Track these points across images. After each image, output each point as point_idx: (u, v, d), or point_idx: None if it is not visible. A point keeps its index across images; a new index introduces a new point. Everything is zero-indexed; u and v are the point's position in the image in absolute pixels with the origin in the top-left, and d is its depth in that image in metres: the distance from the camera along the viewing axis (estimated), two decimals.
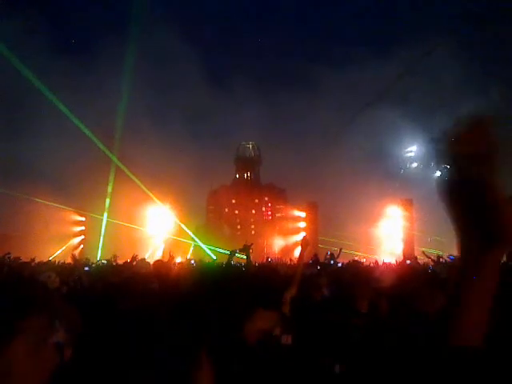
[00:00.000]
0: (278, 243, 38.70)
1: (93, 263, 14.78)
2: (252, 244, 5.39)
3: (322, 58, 38.32)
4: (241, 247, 5.53)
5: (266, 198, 43.19)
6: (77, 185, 30.19)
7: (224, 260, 7.33)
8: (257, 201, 43.40)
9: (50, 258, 23.34)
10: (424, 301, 3.70)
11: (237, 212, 43.29)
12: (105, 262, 12.83)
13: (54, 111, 28.34)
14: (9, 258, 9.53)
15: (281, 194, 41.81)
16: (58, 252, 30.44)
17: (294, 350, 2.50)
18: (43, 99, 27.57)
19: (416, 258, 16.73)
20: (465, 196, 0.79)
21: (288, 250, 34.63)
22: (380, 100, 37.29)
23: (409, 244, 31.61)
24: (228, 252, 6.50)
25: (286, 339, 2.54)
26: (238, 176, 44.62)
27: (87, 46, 32.14)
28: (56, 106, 27.80)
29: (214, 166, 35.20)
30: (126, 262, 8.81)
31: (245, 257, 5.46)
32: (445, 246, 27.69)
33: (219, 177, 40.18)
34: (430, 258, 11.38)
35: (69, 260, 17.54)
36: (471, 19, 35.60)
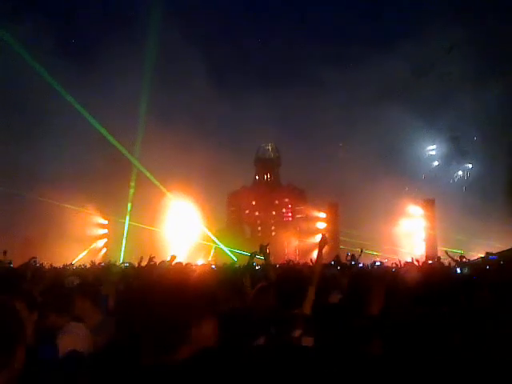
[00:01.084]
0: (298, 244, 38.62)
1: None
2: (268, 244, 5.39)
3: (335, 56, 37.77)
4: (257, 249, 5.54)
5: (286, 199, 43.09)
6: (99, 187, 30.63)
7: (244, 262, 7.37)
8: (277, 202, 43.33)
9: (73, 262, 23.77)
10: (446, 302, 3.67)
11: (257, 213, 43.28)
12: (127, 264, 12.98)
13: (73, 114, 28.84)
14: (34, 262, 9.65)
15: (301, 195, 41.66)
16: (82, 255, 30.91)
17: (314, 352, 2.49)
18: (61, 101, 28.09)
19: (439, 258, 16.55)
20: None
21: (308, 250, 34.53)
22: (399, 98, 36.91)
23: (431, 244, 31.21)
24: (248, 254, 6.54)
25: (307, 341, 2.53)
26: (257, 177, 44.62)
27: (101, 47, 32.21)
28: (75, 109, 28.28)
29: (234, 168, 35.20)
30: (146, 264, 8.91)
31: (263, 258, 5.47)
32: (465, 244, 27.35)
33: (239, 178, 40.23)
34: (452, 258, 11.23)
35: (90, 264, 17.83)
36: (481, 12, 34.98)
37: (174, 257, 8.76)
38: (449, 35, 34.11)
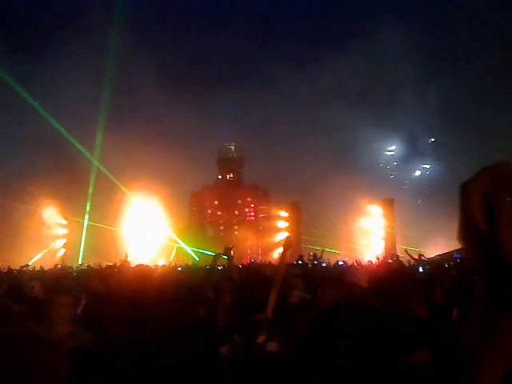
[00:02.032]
0: (261, 243, 38.75)
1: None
2: (233, 246, 5.38)
3: (297, 57, 38.24)
4: (222, 251, 5.52)
5: (249, 199, 43.15)
6: (58, 187, 29.84)
7: (207, 262, 7.31)
8: (240, 201, 43.34)
9: (30, 263, 23.00)
10: (406, 301, 3.74)
11: (220, 213, 43.16)
12: (86, 266, 12.72)
13: (30, 113, 28.05)
14: None
15: (264, 195, 41.82)
16: (39, 256, 29.96)
17: (280, 357, 2.46)
18: (17, 99, 27.30)
19: (398, 256, 16.95)
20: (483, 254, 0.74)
21: (271, 249, 34.73)
22: (359, 99, 37.63)
23: (390, 242, 31.91)
24: (213, 254, 6.49)
25: (272, 346, 2.49)
26: (220, 177, 44.50)
27: (59, 49, 31.42)
28: (32, 107, 27.52)
29: (197, 168, 35.00)
30: (110, 266, 8.74)
31: (227, 258, 5.45)
32: (422, 242, 28.20)
33: (202, 178, 40.02)
34: (411, 256, 11.53)
35: (50, 265, 17.33)
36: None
37: (126, 256, 8.69)
38: (403, 38, 34.96)
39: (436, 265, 8.91)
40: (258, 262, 21.57)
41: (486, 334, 0.73)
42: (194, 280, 6.43)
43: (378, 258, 16.53)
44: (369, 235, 34.12)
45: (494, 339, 0.72)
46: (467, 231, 0.76)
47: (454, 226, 0.79)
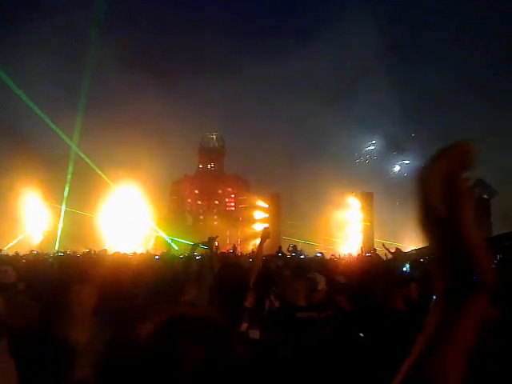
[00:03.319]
0: (240, 234, 38.79)
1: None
2: (217, 237, 5.32)
3: (280, 48, 38.22)
4: (205, 240, 5.42)
5: (230, 189, 43.15)
6: (36, 172, 29.38)
7: (185, 251, 7.25)
8: (220, 191, 43.31)
9: (5, 248, 22.59)
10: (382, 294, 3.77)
11: (200, 202, 43.08)
12: (62, 253, 12.53)
13: (10, 96, 27.56)
14: None
15: (244, 185, 41.83)
16: (15, 241, 29.45)
17: (262, 344, 2.48)
18: None
19: (375, 250, 17.12)
20: (442, 234, 0.73)
21: (250, 240, 34.79)
22: (340, 93, 37.80)
23: (367, 236, 32.21)
24: (191, 243, 6.38)
25: (254, 333, 2.52)
26: (201, 166, 44.35)
27: (42, 34, 30.87)
28: (12, 91, 27.04)
29: (178, 157, 34.82)
30: (85, 253, 8.63)
31: (207, 248, 5.37)
32: (398, 236, 28.61)
33: (182, 167, 39.81)
34: (388, 250, 11.62)
35: (24, 251, 17.05)
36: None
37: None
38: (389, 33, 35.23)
39: (413, 259, 9.04)
40: (237, 252, 21.54)
41: (447, 321, 0.71)
42: (172, 268, 6.38)
43: (361, 250, 16.69)
44: (347, 228, 34.42)
45: (455, 326, 0.71)
46: (426, 218, 0.74)
47: None
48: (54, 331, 2.16)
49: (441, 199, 0.71)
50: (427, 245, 0.76)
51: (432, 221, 0.73)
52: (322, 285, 4.49)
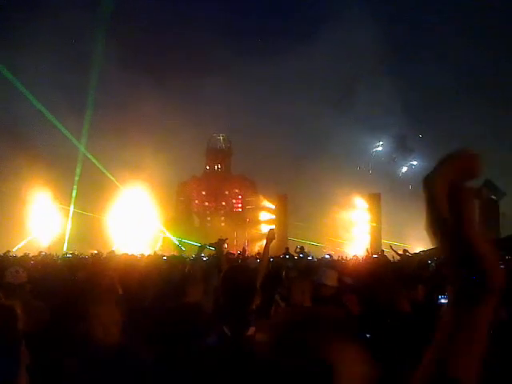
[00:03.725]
0: (247, 235, 38.79)
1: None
2: (227, 239, 5.28)
3: (288, 50, 38.19)
4: (212, 241, 5.41)
5: (237, 190, 43.13)
6: (44, 173, 29.55)
7: (193, 253, 7.23)
8: (227, 192, 43.31)
9: (15, 249, 22.76)
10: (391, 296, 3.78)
11: (207, 204, 43.10)
12: (70, 255, 12.60)
13: (18, 97, 27.81)
14: None
15: (251, 186, 41.81)
16: (24, 242, 29.64)
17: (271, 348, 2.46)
18: (5, 84, 27.07)
19: (383, 251, 17.08)
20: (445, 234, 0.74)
21: (257, 241, 34.77)
22: (347, 94, 37.72)
23: (375, 237, 32.12)
24: (198, 244, 6.37)
25: (262, 337, 2.50)
26: (208, 167, 44.38)
27: (51, 34, 31.06)
28: (19, 91, 27.31)
29: (185, 158, 34.85)
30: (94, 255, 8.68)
31: (214, 249, 5.35)
32: (406, 237, 28.43)
33: (190, 168, 39.88)
34: (396, 252, 11.59)
35: (33, 252, 17.15)
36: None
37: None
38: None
39: (420, 260, 9.01)
40: (244, 253, 21.55)
41: (458, 327, 0.73)
42: (180, 269, 6.40)
43: (367, 251, 16.64)
44: (353, 229, 34.34)
45: (465, 331, 0.72)
46: (433, 223, 0.75)
47: None
48: (68, 331, 2.20)
49: (446, 205, 0.73)
50: (435, 246, 0.78)
51: (439, 225, 0.75)
52: (332, 281, 4.47)
